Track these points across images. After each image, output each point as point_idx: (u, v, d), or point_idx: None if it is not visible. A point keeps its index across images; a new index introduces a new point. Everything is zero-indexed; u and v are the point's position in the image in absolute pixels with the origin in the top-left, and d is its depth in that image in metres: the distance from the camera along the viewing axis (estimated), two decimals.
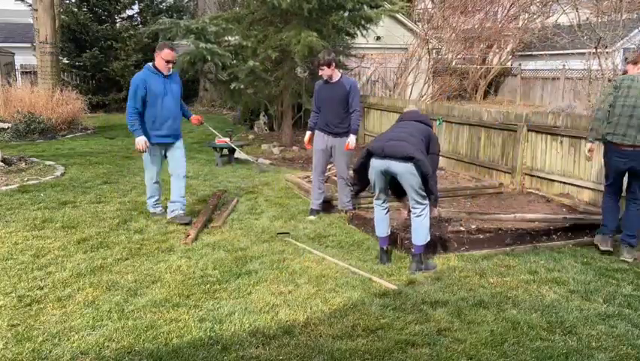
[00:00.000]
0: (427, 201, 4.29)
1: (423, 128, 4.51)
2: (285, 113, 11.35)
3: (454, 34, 18.39)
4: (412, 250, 4.34)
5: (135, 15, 20.00)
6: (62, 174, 7.79)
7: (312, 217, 5.80)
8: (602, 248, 4.79)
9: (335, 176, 7.48)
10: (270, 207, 6.21)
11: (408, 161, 4.10)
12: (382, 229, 4.55)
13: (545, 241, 4.99)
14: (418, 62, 16.03)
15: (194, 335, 3.20)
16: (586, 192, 6.23)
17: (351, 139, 5.73)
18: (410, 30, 17.14)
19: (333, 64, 5.60)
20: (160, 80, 5.37)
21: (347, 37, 11.31)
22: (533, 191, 6.84)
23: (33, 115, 11.67)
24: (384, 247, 4.53)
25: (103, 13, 18.73)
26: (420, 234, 4.28)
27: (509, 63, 23.81)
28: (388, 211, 4.57)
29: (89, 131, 13.01)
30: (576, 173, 6.40)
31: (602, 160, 4.96)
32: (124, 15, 19.63)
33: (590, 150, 4.89)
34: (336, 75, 5.68)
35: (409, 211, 4.41)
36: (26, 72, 18.33)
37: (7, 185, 6.98)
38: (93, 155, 9.64)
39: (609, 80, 4.81)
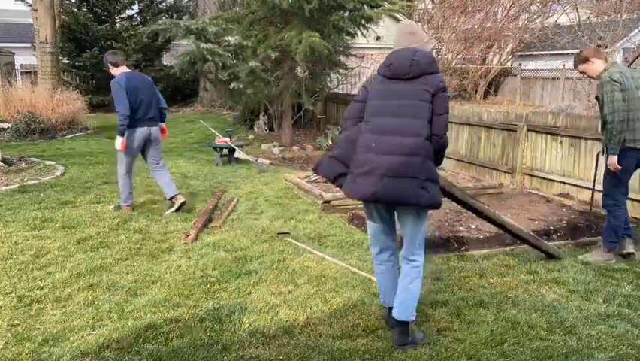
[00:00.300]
0: (422, 257, 3.13)
1: (425, 87, 2.99)
2: (285, 113, 11.36)
3: (454, 34, 18.42)
4: (394, 314, 3.11)
5: (135, 15, 20.03)
6: (62, 174, 7.80)
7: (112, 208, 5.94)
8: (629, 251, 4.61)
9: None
10: (270, 207, 6.21)
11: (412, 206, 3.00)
12: (390, 295, 3.21)
13: (545, 241, 4.98)
14: None
15: (194, 335, 3.20)
16: (586, 192, 6.22)
17: (116, 141, 5.67)
18: None
19: (108, 64, 5.69)
20: None
21: (347, 37, 11.32)
22: (533, 191, 6.84)
23: (33, 115, 11.68)
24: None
25: (103, 13, 18.74)
26: (407, 305, 3.07)
27: (509, 63, 23.80)
28: (398, 268, 3.21)
29: (89, 131, 13.02)
30: (576, 173, 6.41)
31: (610, 166, 4.37)
32: (124, 15, 19.66)
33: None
34: (117, 74, 5.71)
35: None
36: (26, 72, 18.31)
37: (7, 185, 6.98)
38: (93, 155, 9.65)
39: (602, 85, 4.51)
